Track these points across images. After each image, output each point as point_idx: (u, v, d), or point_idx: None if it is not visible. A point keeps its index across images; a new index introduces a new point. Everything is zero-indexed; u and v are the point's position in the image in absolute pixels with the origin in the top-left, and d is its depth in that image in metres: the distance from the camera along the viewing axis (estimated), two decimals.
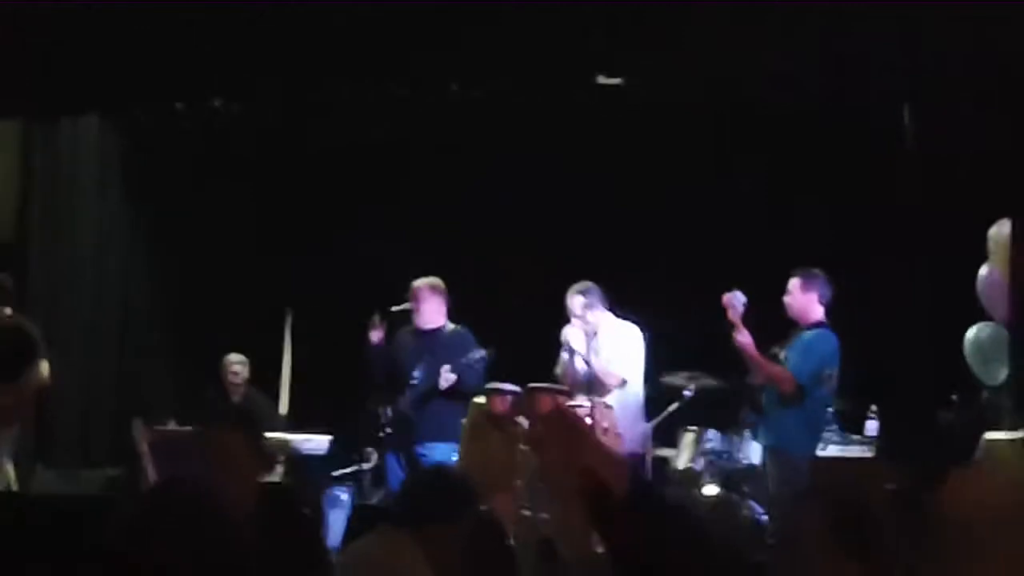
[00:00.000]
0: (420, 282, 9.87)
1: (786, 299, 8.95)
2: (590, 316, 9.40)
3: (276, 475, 10.46)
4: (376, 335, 9.91)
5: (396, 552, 4.95)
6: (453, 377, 9.53)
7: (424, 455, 9.51)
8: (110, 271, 11.86)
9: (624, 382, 9.36)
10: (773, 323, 9.04)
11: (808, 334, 8.84)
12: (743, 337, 8.70)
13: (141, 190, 11.99)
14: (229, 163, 11.85)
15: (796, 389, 8.71)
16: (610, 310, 9.54)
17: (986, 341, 8.53)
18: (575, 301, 9.37)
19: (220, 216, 12.11)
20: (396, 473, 9.65)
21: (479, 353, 9.56)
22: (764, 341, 8.96)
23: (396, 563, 4.93)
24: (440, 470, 7.55)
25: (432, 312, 9.82)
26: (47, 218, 11.51)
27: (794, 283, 8.93)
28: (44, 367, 9.86)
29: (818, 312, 8.92)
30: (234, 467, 4.78)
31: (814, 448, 9.05)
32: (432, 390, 9.61)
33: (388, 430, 9.73)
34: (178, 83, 9.63)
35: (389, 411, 9.74)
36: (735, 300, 8.67)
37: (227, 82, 9.52)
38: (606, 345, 9.46)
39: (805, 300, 8.93)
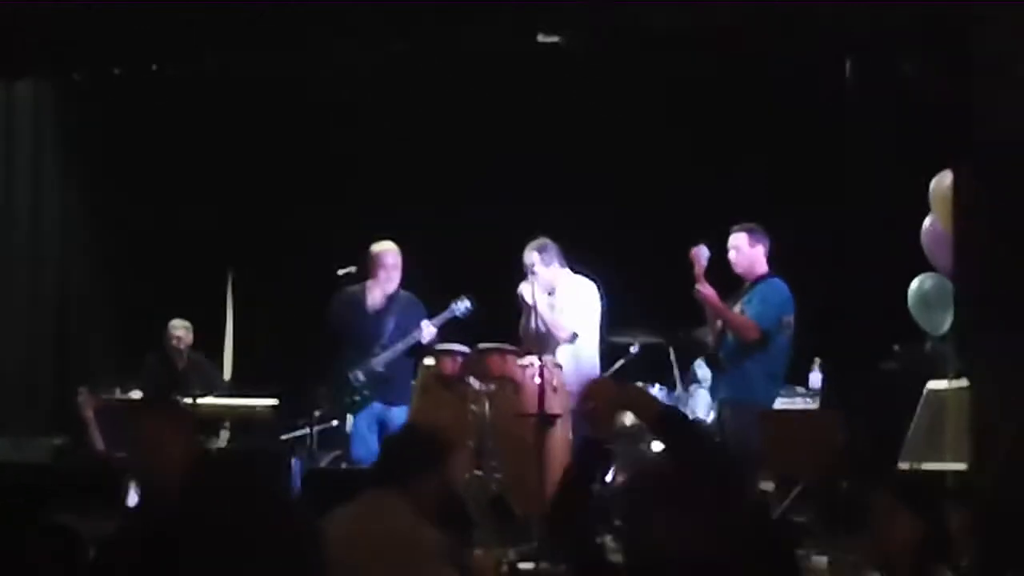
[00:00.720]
0: (384, 247, 9.86)
1: (732, 255, 8.99)
2: (547, 272, 9.39)
3: (221, 441, 10.48)
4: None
5: (396, 514, 4.98)
6: (434, 331, 9.56)
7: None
8: (48, 236, 11.77)
9: (575, 336, 9.34)
10: (716, 278, 9.12)
11: (762, 284, 8.90)
12: (706, 289, 8.76)
13: (78, 153, 11.90)
14: (169, 123, 11.76)
15: (760, 335, 8.78)
16: (568, 267, 9.53)
17: (930, 292, 8.64)
18: (531, 257, 9.36)
19: (160, 178, 12.03)
20: (363, 436, 9.67)
21: (464, 302, 9.62)
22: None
23: (399, 525, 4.96)
24: (412, 427, 7.61)
25: (397, 276, 9.83)
26: None
27: (740, 238, 8.97)
28: None
29: (764, 264, 8.99)
30: (159, 445, 4.77)
31: (775, 397, 9.15)
32: (411, 349, 9.66)
33: (365, 392, 9.75)
34: (114, 49, 9.52)
35: (360, 374, 9.75)
36: (700, 254, 8.72)
37: (164, 48, 9.41)
38: (561, 300, 9.47)
39: (753, 254, 8.99)
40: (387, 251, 9.87)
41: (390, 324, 9.83)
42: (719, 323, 8.94)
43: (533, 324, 9.37)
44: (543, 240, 9.45)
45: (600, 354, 9.58)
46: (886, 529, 4.51)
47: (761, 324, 8.78)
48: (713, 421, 9.22)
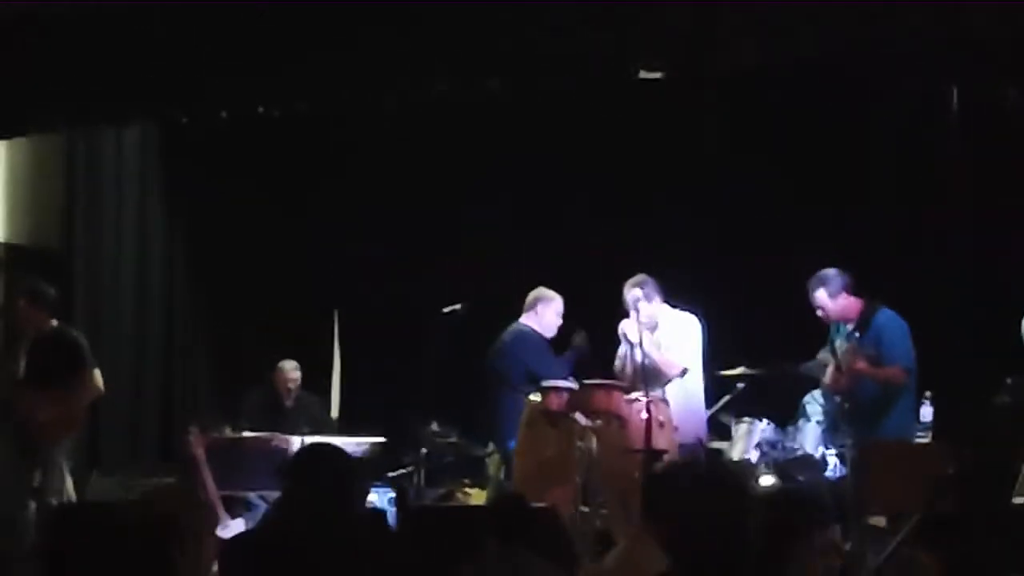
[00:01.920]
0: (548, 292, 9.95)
1: (820, 314, 9.13)
2: (648, 308, 9.36)
3: None
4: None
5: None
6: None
7: None
8: (153, 277, 11.93)
9: (685, 371, 9.34)
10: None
11: (877, 322, 8.90)
12: (860, 364, 8.92)
13: (183, 194, 12.06)
14: (272, 164, 11.91)
15: (906, 376, 8.93)
16: (666, 302, 9.49)
17: None
18: (631, 294, 9.34)
19: (264, 219, 12.17)
20: None
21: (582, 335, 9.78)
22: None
23: None
24: None
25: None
26: (90, 225, 11.58)
27: (820, 297, 9.09)
28: (97, 376, 9.91)
29: (857, 302, 9.03)
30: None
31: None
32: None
33: None
34: (219, 92, 9.66)
35: None
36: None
37: (270, 91, 9.54)
38: (666, 336, 9.44)
39: (839, 302, 9.11)
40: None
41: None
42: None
43: (637, 361, 9.30)
44: (642, 276, 9.41)
45: (704, 388, 9.53)
46: None
47: (904, 364, 8.85)
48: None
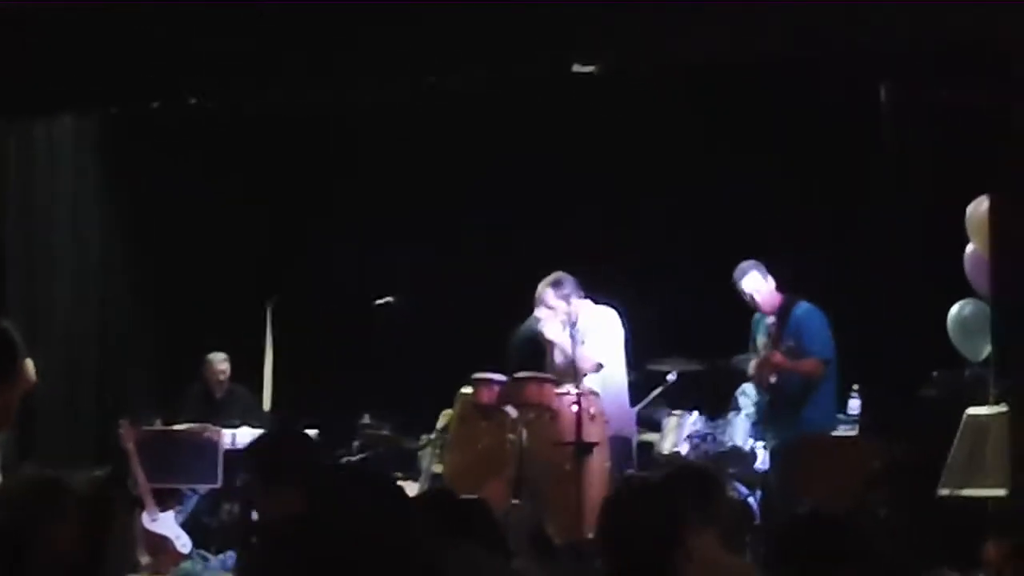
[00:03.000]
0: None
1: (757, 298, 9.29)
2: (564, 306, 9.31)
3: None
4: None
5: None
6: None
7: None
8: (88, 269, 11.82)
9: (599, 366, 9.27)
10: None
11: (796, 314, 9.06)
12: (778, 358, 9.17)
13: (117, 186, 11.96)
14: (207, 156, 11.86)
15: (824, 367, 9.13)
16: (588, 297, 9.45)
17: (969, 317, 8.60)
18: (547, 293, 9.35)
19: (198, 211, 12.11)
20: None
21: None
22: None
23: None
24: None
25: None
26: (24, 217, 11.47)
27: (755, 279, 9.26)
28: (29, 366, 9.83)
29: (778, 294, 9.30)
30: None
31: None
32: None
33: None
34: (153, 83, 9.60)
35: None
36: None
37: (205, 82, 9.48)
38: (584, 331, 9.40)
39: (769, 288, 9.29)
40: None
41: None
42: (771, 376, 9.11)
43: (558, 358, 9.34)
44: (556, 275, 9.38)
45: (637, 382, 9.58)
46: None
47: (824, 355, 9.02)
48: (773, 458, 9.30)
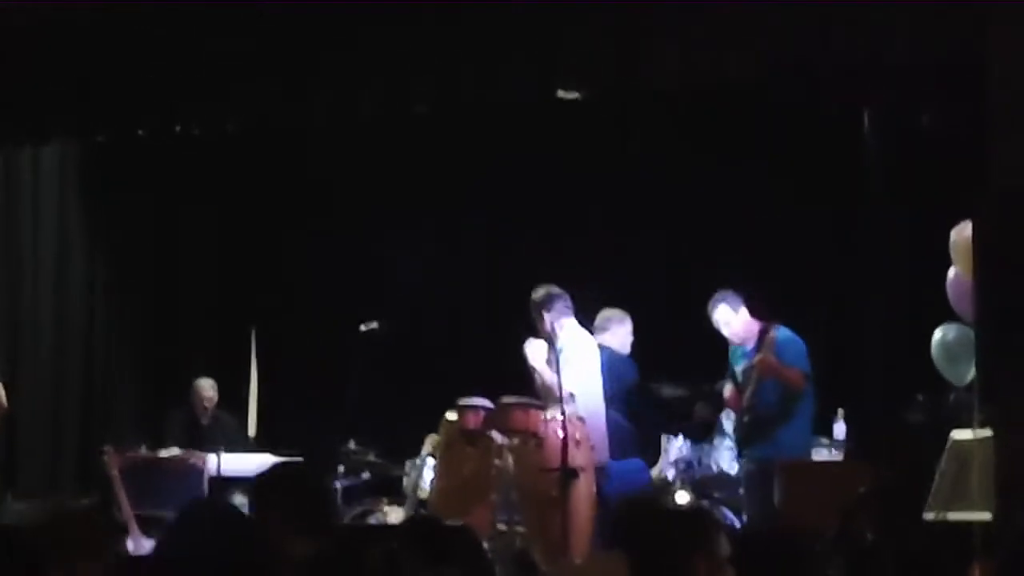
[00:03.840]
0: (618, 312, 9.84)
1: (726, 331, 9.23)
2: (548, 324, 9.19)
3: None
4: None
5: None
6: None
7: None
8: (72, 296, 11.78)
9: (571, 396, 8.97)
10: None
11: (775, 338, 8.98)
12: (770, 358, 8.99)
13: (102, 213, 11.94)
14: (192, 183, 11.86)
15: (806, 380, 9.03)
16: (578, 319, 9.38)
17: (953, 342, 8.59)
18: (533, 307, 9.29)
19: (182, 238, 12.12)
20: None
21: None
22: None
23: None
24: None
25: None
26: (7, 244, 11.44)
27: (723, 311, 9.19)
28: (0, 392, 9.84)
29: (755, 322, 9.21)
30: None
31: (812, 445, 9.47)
32: None
33: None
34: (138, 110, 9.61)
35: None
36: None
37: (188, 108, 9.49)
38: (565, 358, 9.15)
39: (741, 319, 9.23)
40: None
41: None
42: (751, 390, 9.02)
43: (537, 381, 9.18)
44: (546, 290, 9.29)
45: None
46: None
47: (804, 369, 8.96)
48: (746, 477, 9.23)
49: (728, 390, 9.31)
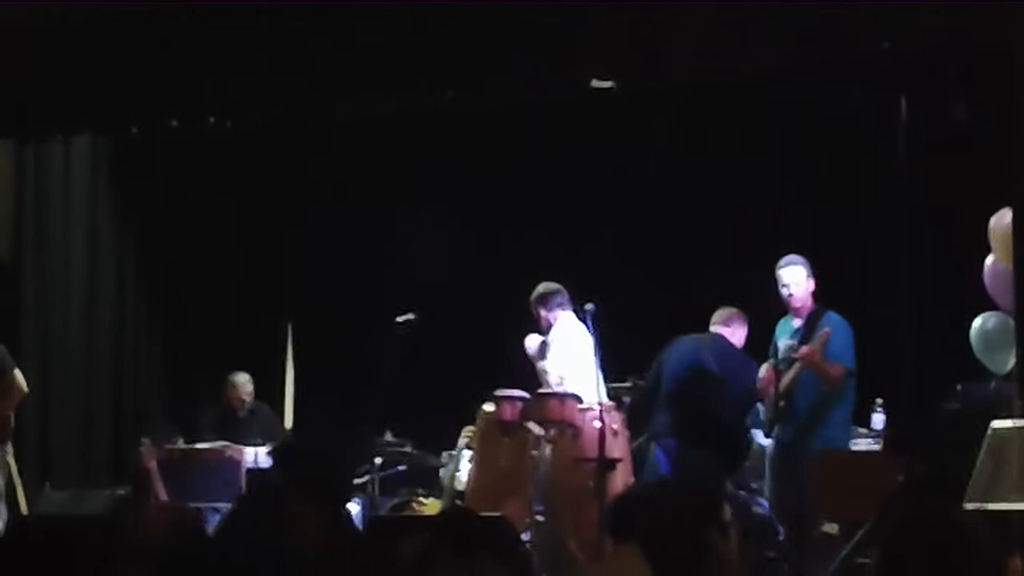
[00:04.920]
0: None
1: (790, 292, 8.93)
2: (545, 317, 9.40)
3: None
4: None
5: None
6: None
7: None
8: (103, 289, 11.83)
9: (560, 380, 9.18)
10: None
11: (824, 322, 8.84)
12: (808, 350, 8.76)
13: (133, 205, 11.98)
14: (223, 174, 11.87)
15: (848, 377, 8.84)
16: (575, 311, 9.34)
17: (992, 330, 8.54)
18: (533, 304, 9.46)
19: (214, 230, 12.14)
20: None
21: None
22: None
23: None
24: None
25: None
26: (39, 237, 11.50)
27: (799, 272, 8.93)
28: (19, 377, 9.90)
29: (811, 296, 9.00)
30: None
31: (850, 439, 9.31)
32: None
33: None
34: (171, 101, 9.64)
35: None
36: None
37: (221, 100, 9.52)
38: (551, 345, 9.43)
39: (808, 288, 8.98)
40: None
41: None
42: (790, 376, 8.89)
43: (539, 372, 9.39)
44: (543, 287, 9.46)
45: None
46: None
47: (847, 365, 8.81)
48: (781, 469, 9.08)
49: (765, 370, 9.03)
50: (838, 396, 8.92)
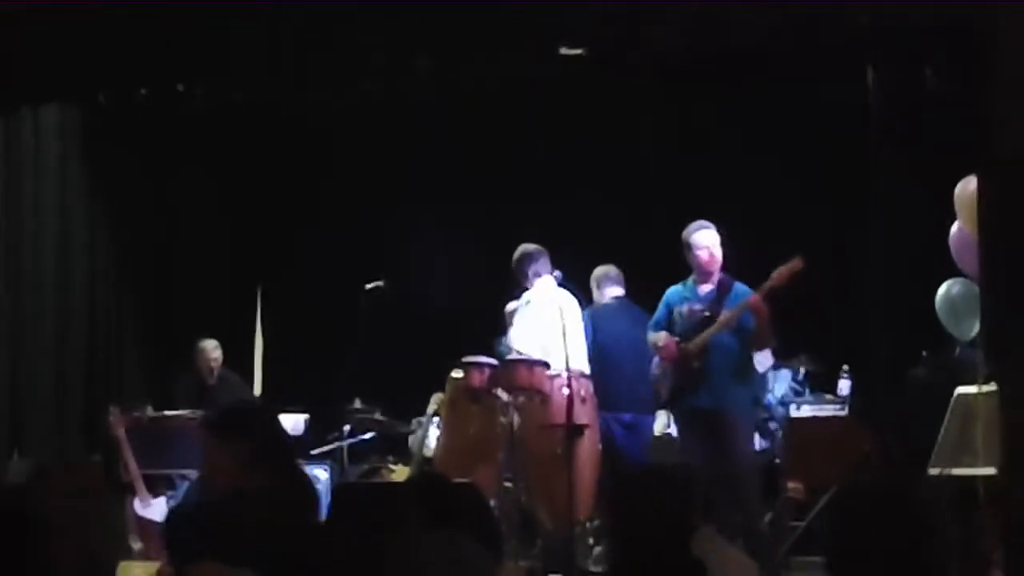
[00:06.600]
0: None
1: (715, 252, 8.66)
2: (521, 284, 9.30)
3: None
4: None
5: None
6: None
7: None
8: (75, 257, 11.77)
9: (517, 352, 9.08)
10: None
11: (736, 290, 8.66)
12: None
13: (104, 175, 11.93)
14: (194, 143, 11.85)
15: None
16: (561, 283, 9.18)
17: (957, 297, 8.60)
18: (513, 264, 9.36)
19: (185, 198, 12.12)
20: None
21: None
22: None
23: None
24: None
25: None
26: (10, 208, 11.43)
27: (713, 236, 8.67)
28: None
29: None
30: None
31: None
32: None
33: None
34: (141, 70, 9.59)
35: None
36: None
37: (192, 68, 9.47)
38: (520, 310, 9.33)
39: (719, 254, 8.71)
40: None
41: None
42: (701, 338, 8.57)
43: None
44: (524, 248, 9.34)
45: None
46: None
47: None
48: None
49: (663, 338, 8.67)
50: (751, 358, 8.65)
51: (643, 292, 9.56)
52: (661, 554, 4.31)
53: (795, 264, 8.38)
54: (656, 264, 9.44)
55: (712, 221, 8.87)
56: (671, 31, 7.85)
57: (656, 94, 10.78)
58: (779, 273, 8.40)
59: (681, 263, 8.82)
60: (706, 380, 8.52)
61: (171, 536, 4.47)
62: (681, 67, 9.69)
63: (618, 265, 9.82)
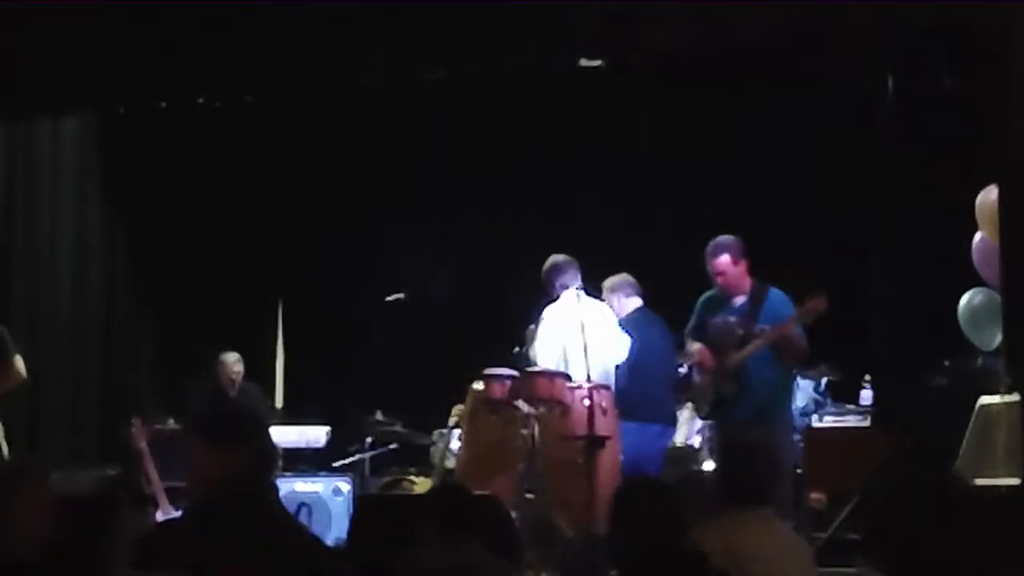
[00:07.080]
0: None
1: (721, 280, 8.62)
2: (552, 292, 9.26)
3: None
4: None
5: None
6: None
7: None
8: (93, 268, 11.80)
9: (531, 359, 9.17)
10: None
11: (770, 298, 8.62)
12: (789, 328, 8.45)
13: (122, 185, 11.96)
14: (214, 155, 11.87)
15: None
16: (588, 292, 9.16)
17: (979, 307, 8.57)
18: (543, 274, 9.31)
19: (205, 210, 12.14)
20: None
21: None
22: None
23: None
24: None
25: None
26: (28, 217, 11.47)
27: (724, 261, 8.57)
28: (19, 363, 9.87)
29: (748, 276, 8.68)
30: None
31: None
32: None
33: None
34: (159, 82, 9.61)
35: None
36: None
37: (211, 81, 9.50)
38: (541, 323, 9.31)
39: (739, 269, 8.61)
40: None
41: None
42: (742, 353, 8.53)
43: None
44: (554, 259, 9.29)
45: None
46: None
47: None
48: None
49: (698, 347, 8.71)
50: (790, 370, 8.70)
51: (643, 292, 9.59)
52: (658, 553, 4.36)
53: (819, 303, 8.29)
54: (656, 264, 9.56)
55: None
56: (671, 31, 7.83)
57: (656, 94, 10.76)
58: (804, 311, 8.35)
59: (680, 263, 8.92)
60: (747, 392, 8.49)
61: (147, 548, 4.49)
62: (681, 67, 9.68)
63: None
